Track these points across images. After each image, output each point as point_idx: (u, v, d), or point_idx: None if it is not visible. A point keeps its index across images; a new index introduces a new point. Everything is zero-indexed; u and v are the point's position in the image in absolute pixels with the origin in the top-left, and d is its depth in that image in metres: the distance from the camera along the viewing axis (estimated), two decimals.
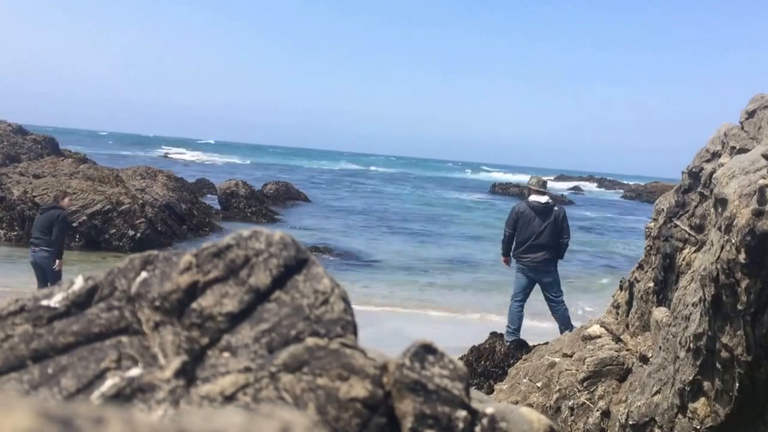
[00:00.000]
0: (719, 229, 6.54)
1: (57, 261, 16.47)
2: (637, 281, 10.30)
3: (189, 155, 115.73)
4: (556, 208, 15.08)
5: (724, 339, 6.54)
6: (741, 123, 8.72)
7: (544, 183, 15.71)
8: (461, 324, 19.25)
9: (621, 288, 10.85)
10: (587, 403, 9.46)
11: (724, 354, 6.59)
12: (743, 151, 7.75)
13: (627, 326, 10.19)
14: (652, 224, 10.17)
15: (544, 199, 15.02)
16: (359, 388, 2.02)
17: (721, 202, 6.54)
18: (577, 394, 9.61)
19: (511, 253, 15.42)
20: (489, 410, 2.20)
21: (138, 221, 27.28)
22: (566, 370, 9.95)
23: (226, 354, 2.04)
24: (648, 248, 10.17)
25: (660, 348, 7.98)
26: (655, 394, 7.74)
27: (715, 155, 8.81)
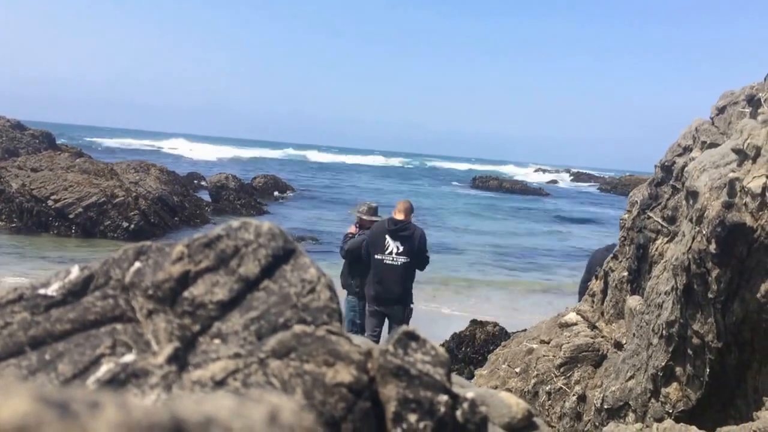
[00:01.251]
0: (690, 220, 6.56)
1: None
2: (612, 271, 10.31)
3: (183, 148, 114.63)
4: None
5: (696, 326, 6.56)
6: (712, 118, 8.75)
7: (375, 210, 13.92)
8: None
9: (596, 277, 10.87)
10: (564, 387, 9.48)
11: (695, 341, 6.61)
12: (714, 145, 7.77)
13: (602, 314, 10.21)
14: (627, 216, 10.19)
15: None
16: (345, 374, 2.03)
17: (693, 195, 6.57)
18: (554, 379, 9.63)
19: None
20: (469, 395, 2.21)
21: (132, 213, 27.33)
22: (544, 356, 9.97)
23: (216, 341, 2.04)
24: (622, 239, 10.19)
25: (634, 335, 8.00)
26: (629, 379, 7.77)
27: (687, 149, 8.84)
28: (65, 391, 0.82)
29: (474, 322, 15.38)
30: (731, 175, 5.99)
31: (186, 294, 2.11)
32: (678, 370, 6.96)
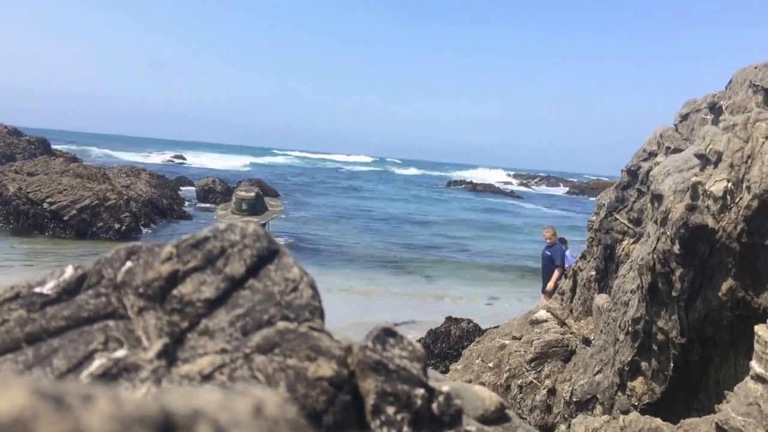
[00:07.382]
0: (655, 222, 6.59)
1: None
2: (581, 270, 10.36)
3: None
4: None
5: (660, 323, 6.59)
6: (675, 125, 8.80)
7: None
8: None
9: (565, 276, 10.92)
10: (534, 381, 9.51)
11: (660, 337, 6.64)
12: (677, 151, 7.81)
13: (571, 311, 10.25)
14: (594, 218, 10.24)
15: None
16: (326, 368, 2.03)
17: (657, 198, 6.60)
18: (526, 373, 9.66)
19: None
20: (445, 388, 2.21)
21: (123, 215, 27.32)
22: (515, 351, 10.00)
23: (204, 337, 2.05)
24: (590, 240, 10.24)
25: (601, 331, 8.03)
26: (597, 373, 7.80)
27: (652, 155, 8.88)
28: (60, 385, 0.83)
29: (449, 319, 15.46)
30: (694, 179, 6.02)
31: (175, 292, 2.11)
32: (643, 364, 6.99)
